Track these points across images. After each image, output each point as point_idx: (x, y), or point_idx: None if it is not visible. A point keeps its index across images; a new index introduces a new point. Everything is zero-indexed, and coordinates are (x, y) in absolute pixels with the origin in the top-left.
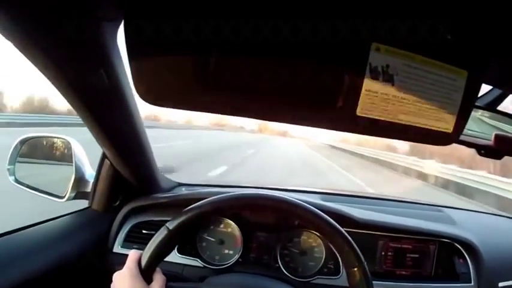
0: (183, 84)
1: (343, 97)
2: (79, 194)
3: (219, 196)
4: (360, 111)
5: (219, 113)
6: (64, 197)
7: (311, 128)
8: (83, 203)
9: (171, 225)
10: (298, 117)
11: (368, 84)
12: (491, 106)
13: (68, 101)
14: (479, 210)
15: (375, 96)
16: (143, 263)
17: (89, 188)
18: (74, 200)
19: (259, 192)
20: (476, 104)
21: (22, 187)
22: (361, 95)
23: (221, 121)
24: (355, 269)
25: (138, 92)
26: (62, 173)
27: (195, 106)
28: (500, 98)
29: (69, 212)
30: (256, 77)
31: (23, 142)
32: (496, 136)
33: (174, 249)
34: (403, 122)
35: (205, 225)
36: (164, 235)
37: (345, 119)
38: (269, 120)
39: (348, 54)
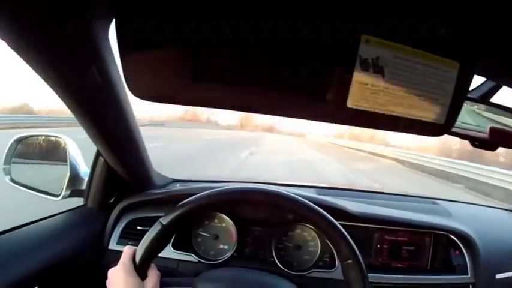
0: (173, 79)
1: (334, 89)
2: (74, 192)
3: (212, 190)
4: (350, 103)
5: (209, 107)
6: (59, 195)
7: (301, 120)
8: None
9: (164, 220)
10: (289, 109)
11: (358, 76)
12: (485, 98)
13: (61, 99)
14: (476, 202)
15: (365, 88)
16: (137, 258)
17: (83, 186)
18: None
19: (253, 186)
20: (469, 96)
21: (18, 186)
22: (352, 87)
23: (185, 116)
24: (350, 261)
25: (129, 87)
26: (57, 171)
27: (184, 100)
28: (493, 90)
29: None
30: (247, 70)
31: (18, 141)
32: (491, 129)
33: (168, 244)
34: (395, 114)
35: (200, 221)
36: (158, 230)
37: (336, 111)
38: (260, 113)
39: (338, 46)
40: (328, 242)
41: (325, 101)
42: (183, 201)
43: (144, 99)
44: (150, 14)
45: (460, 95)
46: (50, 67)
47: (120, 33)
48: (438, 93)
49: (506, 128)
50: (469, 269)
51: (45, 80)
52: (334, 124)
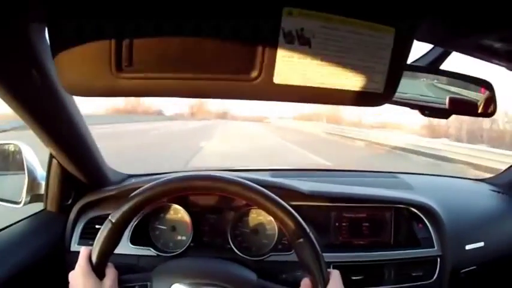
0: (97, 72)
1: (259, 66)
2: (34, 197)
3: (157, 181)
4: (277, 79)
5: (136, 96)
6: (21, 202)
7: (231, 100)
8: None
9: (113, 217)
10: (216, 90)
11: (283, 50)
12: (433, 65)
13: (6, 104)
14: (438, 174)
15: (291, 63)
16: (93, 259)
17: (42, 190)
18: None
19: (197, 173)
20: (417, 64)
21: None
22: (277, 62)
23: (125, 106)
24: (301, 240)
25: (63, 85)
26: (16, 178)
27: (113, 92)
28: (442, 57)
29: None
30: (168, 54)
31: None
32: (450, 99)
33: (120, 240)
34: (327, 86)
35: (156, 214)
36: (109, 228)
37: (263, 88)
38: (187, 96)
39: (259, 21)
40: (278, 223)
41: (252, 79)
42: (130, 196)
43: (76, 95)
44: (78, 11)
45: (398, 62)
46: None
47: (50, 32)
48: (374, 61)
49: (463, 97)
50: (434, 241)
51: None
52: (264, 101)
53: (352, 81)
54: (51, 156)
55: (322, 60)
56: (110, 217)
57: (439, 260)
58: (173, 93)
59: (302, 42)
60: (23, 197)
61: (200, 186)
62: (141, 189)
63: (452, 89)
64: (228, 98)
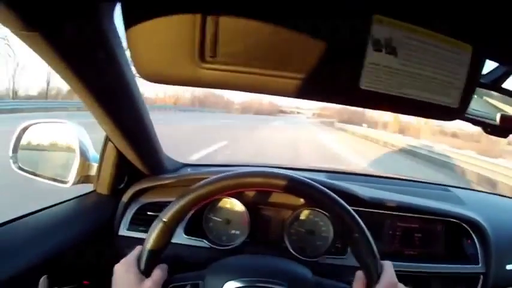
0: (179, 59)
1: (347, 70)
2: (83, 178)
3: (212, 177)
4: (364, 85)
5: (217, 88)
6: (68, 182)
7: (314, 102)
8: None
9: (164, 216)
10: (301, 91)
11: (371, 57)
12: (496, 84)
13: (68, 85)
14: (488, 191)
15: (378, 69)
16: (142, 259)
17: (93, 172)
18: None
19: (258, 169)
20: (481, 81)
21: (26, 174)
22: (364, 67)
23: None
24: (356, 234)
25: (137, 70)
26: (65, 157)
27: (192, 81)
28: (505, 76)
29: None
30: (255, 49)
31: (25, 129)
32: (502, 116)
33: (171, 240)
34: (408, 96)
35: (212, 204)
36: (159, 228)
37: (349, 92)
38: (269, 93)
39: (350, 26)
40: (334, 219)
41: (338, 83)
42: (182, 193)
43: (151, 82)
44: None
45: (473, 79)
46: (55, 53)
47: (125, 14)
48: (452, 76)
49: None
50: (480, 258)
51: (50, 66)
52: (346, 106)
53: (432, 93)
54: (107, 139)
55: (406, 70)
56: (160, 215)
57: (482, 277)
58: (256, 89)
59: (389, 51)
60: (73, 177)
61: (252, 183)
62: (192, 186)
63: (501, 105)
64: (313, 99)
